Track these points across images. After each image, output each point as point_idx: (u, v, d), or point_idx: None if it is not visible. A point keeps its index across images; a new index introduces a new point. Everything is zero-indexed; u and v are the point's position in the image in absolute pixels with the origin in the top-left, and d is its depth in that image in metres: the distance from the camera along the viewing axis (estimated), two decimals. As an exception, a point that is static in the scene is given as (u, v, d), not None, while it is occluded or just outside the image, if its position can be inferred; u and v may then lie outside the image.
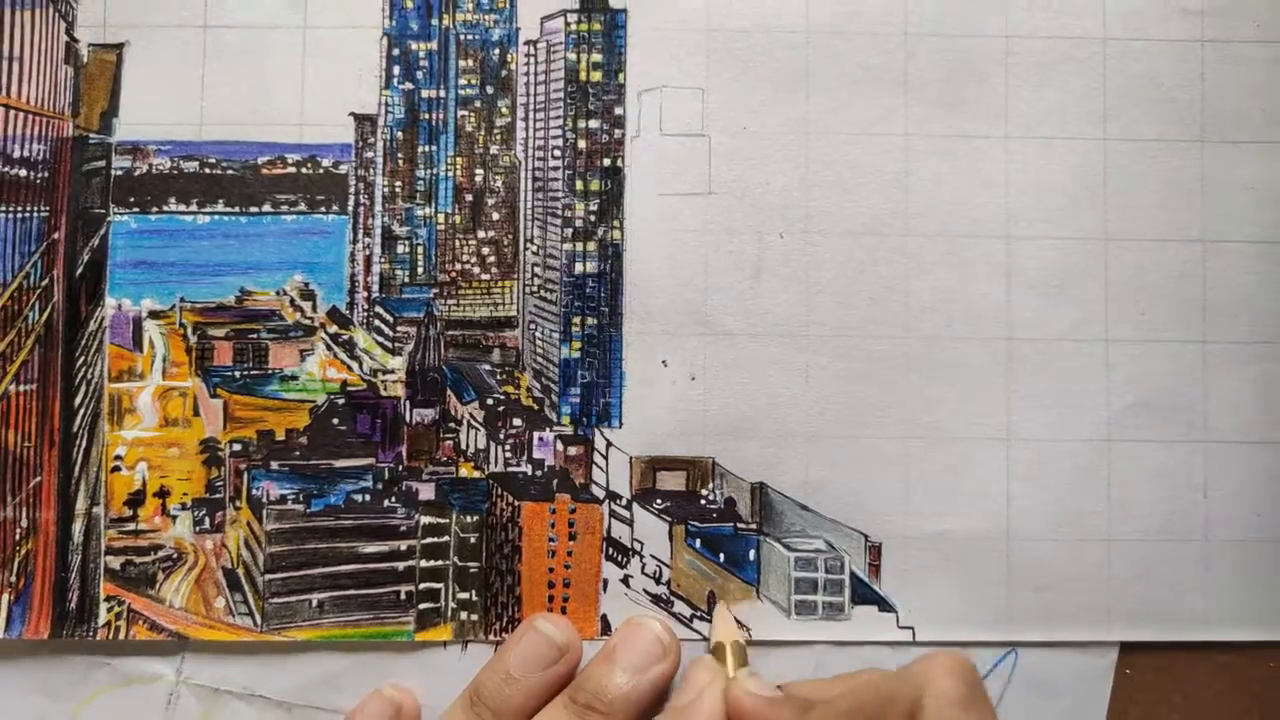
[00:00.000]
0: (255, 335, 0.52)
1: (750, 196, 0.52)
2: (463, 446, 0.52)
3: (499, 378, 0.53)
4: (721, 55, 0.53)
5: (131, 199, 0.52)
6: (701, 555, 0.52)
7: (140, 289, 0.52)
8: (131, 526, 0.51)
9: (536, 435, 0.52)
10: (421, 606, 0.51)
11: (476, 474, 0.52)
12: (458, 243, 0.53)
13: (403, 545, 0.51)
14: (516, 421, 0.52)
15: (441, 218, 0.53)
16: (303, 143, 0.52)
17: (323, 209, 0.52)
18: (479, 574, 0.51)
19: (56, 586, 0.51)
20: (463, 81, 0.53)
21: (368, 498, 0.51)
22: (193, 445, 0.52)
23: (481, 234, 0.53)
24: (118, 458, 0.51)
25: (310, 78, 0.52)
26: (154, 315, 0.52)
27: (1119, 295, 0.52)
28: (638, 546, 0.52)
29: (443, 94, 0.53)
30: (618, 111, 0.53)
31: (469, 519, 0.52)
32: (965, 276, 0.52)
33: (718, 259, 0.52)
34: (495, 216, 0.53)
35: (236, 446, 0.52)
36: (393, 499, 0.51)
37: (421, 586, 0.51)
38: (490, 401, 0.52)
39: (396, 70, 0.53)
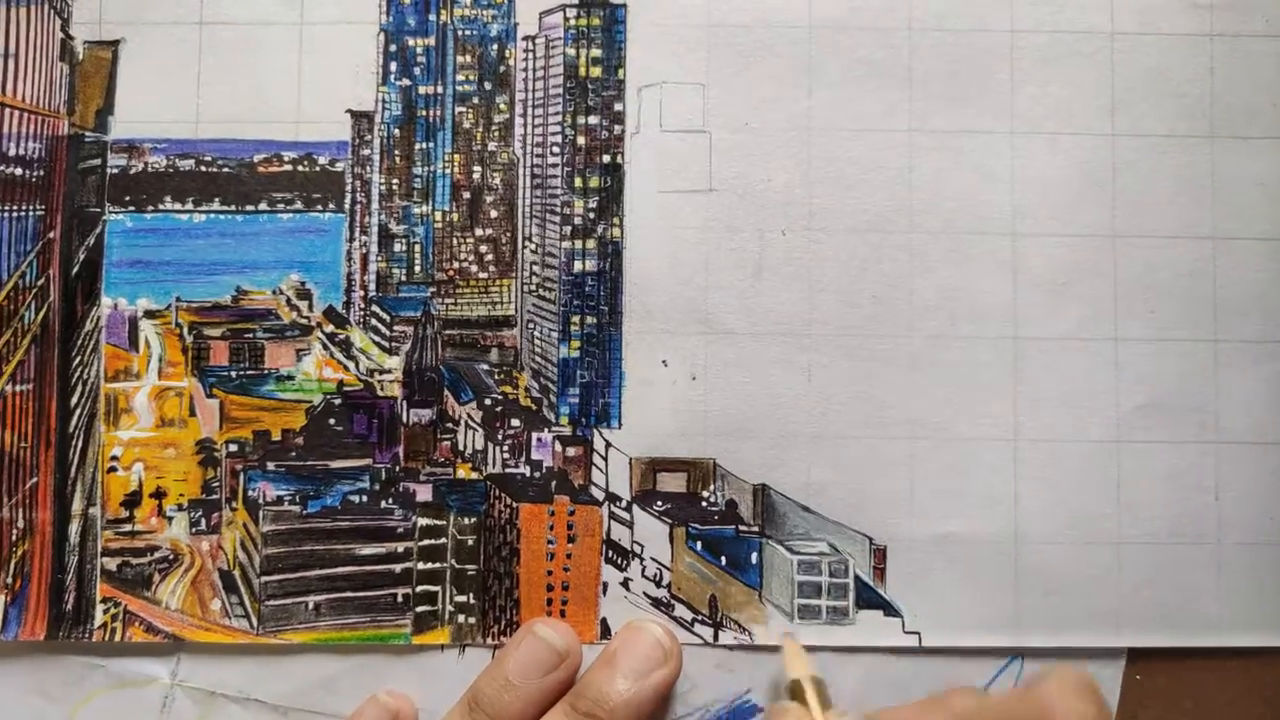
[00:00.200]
0: (251, 335, 0.52)
1: (752, 193, 0.52)
2: (460, 447, 0.51)
3: (497, 378, 0.52)
4: (722, 50, 0.52)
5: (127, 197, 0.52)
6: (702, 558, 0.51)
7: (136, 288, 0.52)
8: (128, 528, 0.51)
9: (535, 436, 0.52)
10: (419, 609, 0.51)
11: (474, 475, 0.51)
12: (455, 241, 0.52)
13: (400, 547, 0.51)
14: (515, 422, 0.52)
15: (439, 216, 0.52)
16: (299, 140, 0.52)
17: (319, 207, 0.52)
18: (477, 576, 0.51)
19: (53, 588, 0.51)
20: (460, 78, 0.53)
21: (364, 499, 0.51)
22: (189, 446, 0.51)
23: (479, 232, 0.52)
24: (114, 458, 0.51)
25: (306, 74, 0.52)
26: (150, 315, 0.52)
27: (1128, 293, 0.52)
28: (638, 549, 0.51)
29: (440, 90, 0.53)
30: (617, 107, 0.52)
31: (467, 521, 0.51)
32: (970, 274, 0.52)
33: (719, 257, 0.52)
34: (493, 214, 0.53)
35: (233, 447, 0.51)
36: (390, 500, 0.51)
37: (419, 589, 0.51)
38: (488, 402, 0.52)
39: (393, 66, 0.53)
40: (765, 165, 0.52)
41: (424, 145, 0.53)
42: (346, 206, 0.52)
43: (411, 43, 0.53)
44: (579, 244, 0.52)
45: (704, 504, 0.51)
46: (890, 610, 0.51)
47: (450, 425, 0.52)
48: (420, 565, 0.51)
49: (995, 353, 0.52)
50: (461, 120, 0.53)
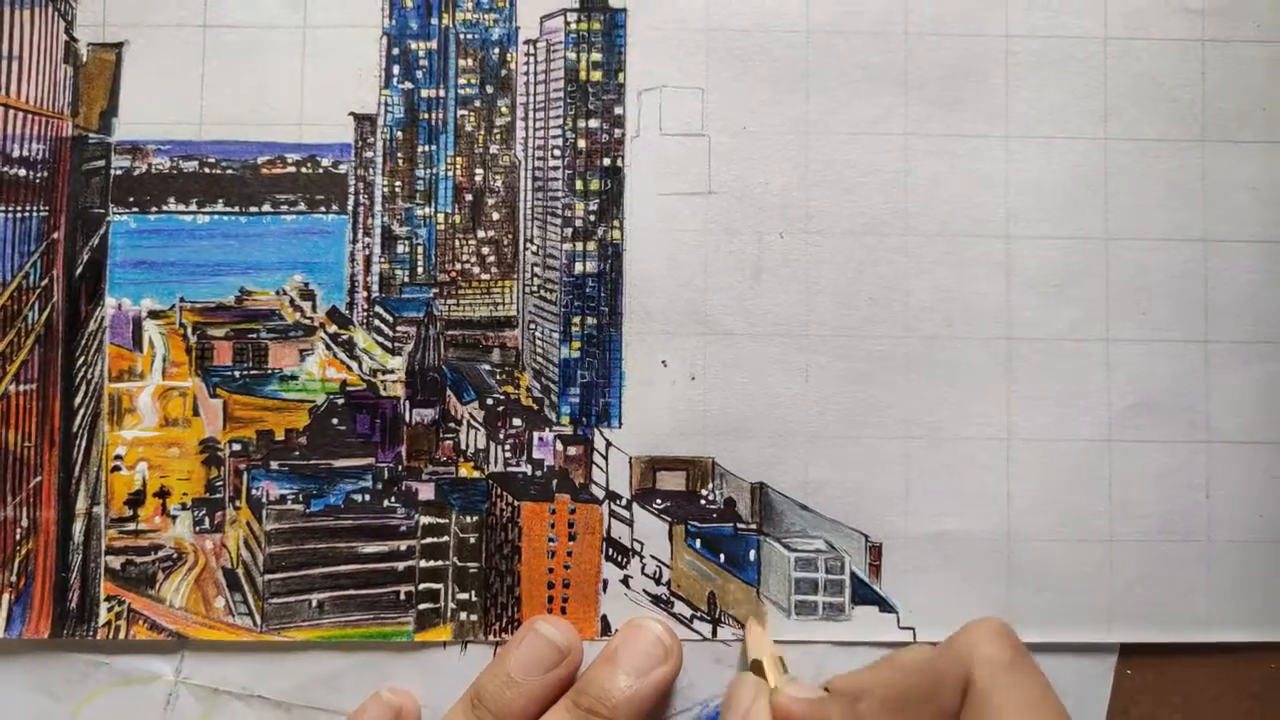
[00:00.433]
0: (255, 335, 0.52)
1: (750, 196, 0.52)
2: (462, 446, 0.52)
3: (499, 378, 0.52)
4: (721, 55, 0.53)
5: (131, 199, 0.52)
6: (701, 555, 0.52)
7: (140, 289, 0.52)
8: (132, 526, 0.51)
9: (536, 435, 0.52)
10: (421, 607, 0.51)
11: (476, 474, 0.52)
12: (457, 242, 0.53)
13: (402, 545, 0.51)
14: (516, 421, 0.52)
15: (441, 217, 0.53)
16: (302, 142, 0.52)
17: (322, 209, 0.52)
18: (478, 574, 0.51)
19: (57, 586, 0.51)
20: (462, 81, 0.53)
21: (367, 498, 0.51)
22: (192, 445, 0.52)
23: (481, 234, 0.53)
24: (118, 457, 0.51)
25: (310, 77, 0.52)
26: (154, 315, 0.52)
27: (1120, 295, 0.52)
28: (638, 547, 0.52)
29: (442, 93, 0.53)
30: (617, 111, 0.53)
31: (468, 519, 0.52)
32: (965, 276, 0.52)
33: (717, 259, 0.52)
34: (495, 216, 0.53)
35: (236, 446, 0.52)
36: (392, 499, 0.51)
37: (421, 587, 0.51)
38: (490, 401, 0.52)
39: (396, 70, 0.53)
40: (763, 168, 0.52)
41: (426, 148, 0.53)
42: (349, 208, 0.53)
43: (414, 46, 0.53)
44: (580, 246, 0.52)
45: (703, 502, 0.52)
46: (885, 606, 0.51)
47: (452, 425, 0.52)
48: (422, 563, 0.51)
49: (989, 353, 0.52)
50: (463, 123, 0.53)
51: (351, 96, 0.52)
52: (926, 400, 0.52)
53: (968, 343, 0.52)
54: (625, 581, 0.51)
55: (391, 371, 0.52)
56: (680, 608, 0.51)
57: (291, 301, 0.52)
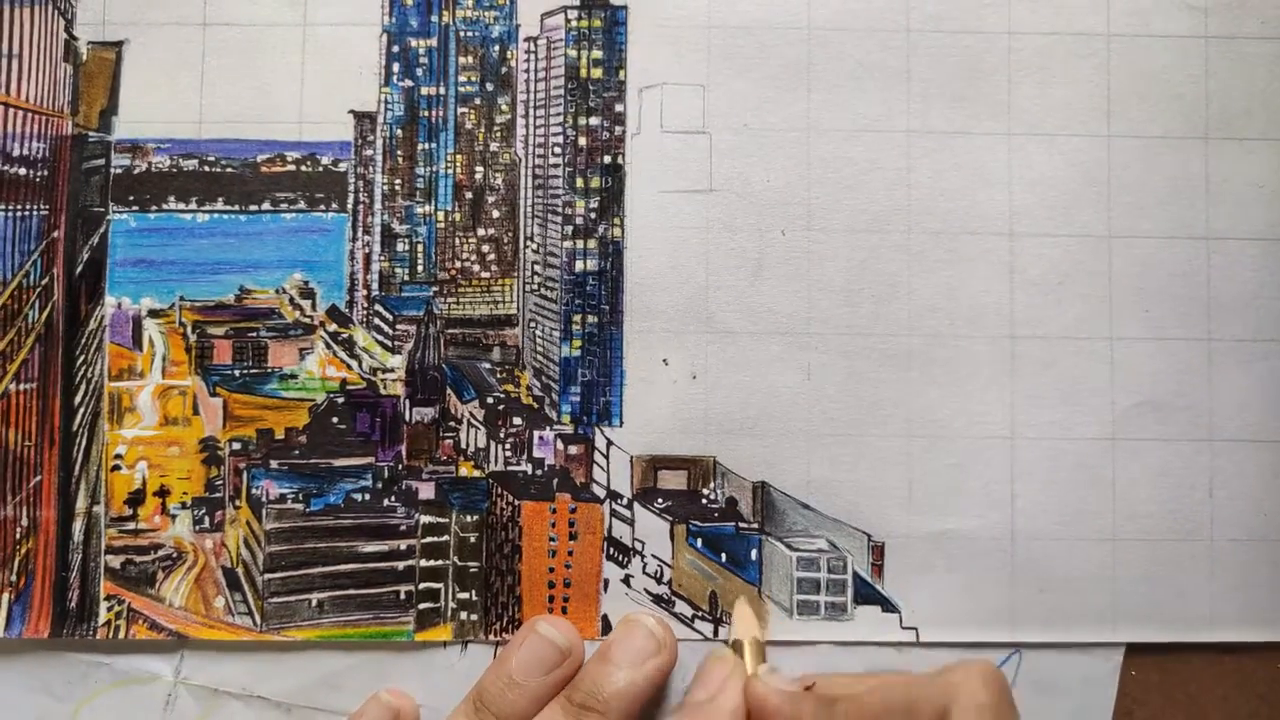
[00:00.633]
0: (255, 334, 0.52)
1: (751, 194, 0.52)
2: (463, 445, 0.52)
3: (499, 376, 0.52)
4: (722, 52, 0.52)
5: (131, 197, 0.52)
6: (703, 555, 0.51)
7: (140, 287, 0.52)
8: (131, 525, 0.51)
9: (537, 434, 0.52)
10: (421, 606, 0.51)
11: (476, 473, 0.52)
12: (458, 240, 0.53)
13: (402, 545, 0.51)
14: (517, 420, 0.52)
15: (441, 215, 0.53)
16: (302, 140, 0.52)
17: (322, 207, 0.52)
18: (479, 574, 0.51)
19: (57, 585, 0.51)
20: (463, 78, 0.53)
21: (367, 497, 0.51)
22: (192, 444, 0.52)
23: (481, 231, 0.53)
24: (118, 456, 0.51)
25: (309, 75, 0.52)
26: (153, 314, 0.52)
27: (1123, 293, 0.52)
28: (639, 546, 0.51)
29: (442, 91, 0.53)
30: (618, 108, 0.53)
31: (469, 518, 0.51)
32: (968, 274, 0.52)
33: (719, 256, 0.52)
34: (495, 214, 0.53)
35: (236, 445, 0.51)
36: (392, 498, 0.51)
37: (421, 586, 0.51)
38: (490, 400, 0.52)
39: (396, 67, 0.53)
40: (765, 166, 0.52)
41: (426, 145, 0.53)
42: (349, 206, 0.53)
43: (414, 44, 0.53)
44: (580, 244, 0.52)
45: (704, 501, 0.52)
46: (888, 606, 0.51)
47: (453, 424, 0.52)
48: (423, 563, 0.51)
49: (992, 352, 0.52)
50: (464, 121, 0.53)
51: (351, 94, 0.52)
52: (929, 399, 0.52)
53: (970, 341, 0.52)
54: (626, 581, 0.51)
55: (391, 370, 0.52)
56: (681, 607, 0.51)
57: (291, 300, 0.52)
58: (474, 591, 0.51)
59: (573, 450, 0.52)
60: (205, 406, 0.52)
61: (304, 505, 0.51)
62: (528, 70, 0.53)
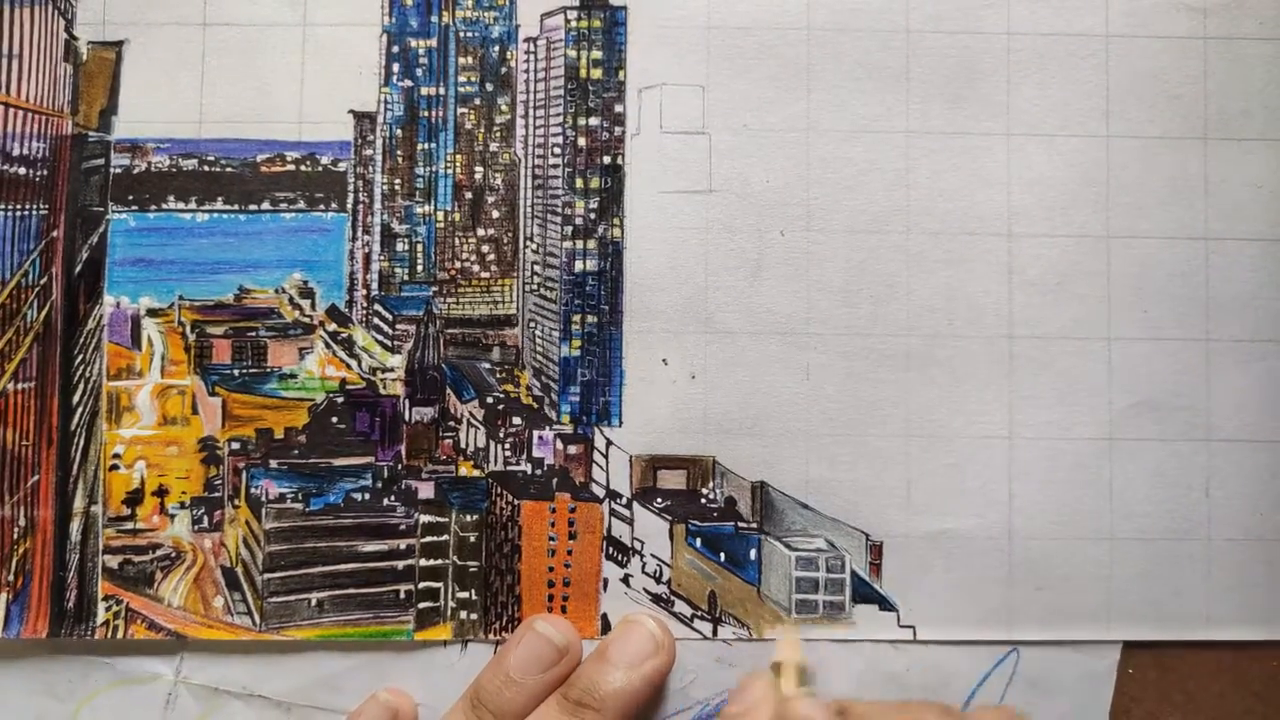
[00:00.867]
0: (254, 333, 0.52)
1: (751, 194, 0.52)
2: (462, 445, 0.52)
3: (498, 376, 0.52)
4: (722, 52, 0.52)
5: (130, 197, 0.52)
6: (702, 554, 0.51)
7: (139, 287, 0.52)
8: (130, 525, 0.51)
9: (536, 434, 0.52)
10: (421, 606, 0.51)
11: (476, 473, 0.52)
12: (457, 240, 0.53)
13: (402, 544, 0.51)
14: (516, 420, 0.52)
15: (441, 215, 0.53)
16: (302, 140, 0.52)
17: (322, 207, 0.52)
18: (478, 573, 0.51)
19: (54, 585, 0.51)
20: (462, 79, 0.53)
21: (367, 496, 0.51)
22: (191, 444, 0.52)
23: (481, 232, 0.53)
24: (116, 456, 0.51)
25: (309, 75, 0.52)
26: (152, 313, 0.52)
27: (1121, 293, 0.52)
28: (638, 545, 0.52)
29: (442, 91, 0.53)
30: (618, 109, 0.53)
31: (468, 518, 0.51)
32: (966, 274, 0.52)
33: (718, 257, 0.52)
34: (495, 214, 0.53)
35: (235, 445, 0.51)
36: (392, 498, 0.51)
37: (421, 585, 0.51)
38: (490, 400, 0.52)
39: (396, 67, 0.53)
40: (764, 166, 0.52)
41: (426, 146, 0.53)
42: (349, 206, 0.52)
43: (413, 44, 0.53)
44: (580, 244, 0.52)
45: (703, 501, 0.52)
46: (886, 605, 0.51)
47: (452, 423, 0.52)
48: (422, 562, 0.51)
49: (990, 352, 0.52)
50: (463, 121, 0.53)
51: (351, 94, 0.52)
52: (927, 399, 0.52)
53: (969, 341, 0.52)
54: (625, 580, 0.51)
55: (391, 370, 0.52)
56: (681, 607, 0.51)
57: (291, 299, 0.52)
58: (473, 591, 0.51)
59: (572, 450, 0.52)
60: (204, 406, 0.52)
61: (303, 505, 0.51)
62: (527, 70, 0.53)
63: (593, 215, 0.52)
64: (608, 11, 0.53)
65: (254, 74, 0.52)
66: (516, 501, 0.51)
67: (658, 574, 0.51)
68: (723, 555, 0.52)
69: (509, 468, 0.52)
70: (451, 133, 0.53)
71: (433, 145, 0.53)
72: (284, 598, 0.51)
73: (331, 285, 0.52)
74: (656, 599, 0.51)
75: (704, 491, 0.52)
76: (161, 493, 0.51)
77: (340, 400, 0.52)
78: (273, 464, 0.51)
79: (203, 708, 0.50)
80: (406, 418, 0.52)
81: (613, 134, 0.53)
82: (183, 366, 0.52)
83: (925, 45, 0.53)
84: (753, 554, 0.52)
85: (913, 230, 0.52)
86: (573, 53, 0.53)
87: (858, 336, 0.52)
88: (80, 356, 0.51)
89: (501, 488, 0.52)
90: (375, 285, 0.52)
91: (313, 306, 0.52)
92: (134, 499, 0.51)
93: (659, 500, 0.52)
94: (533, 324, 0.53)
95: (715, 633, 0.51)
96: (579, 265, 0.52)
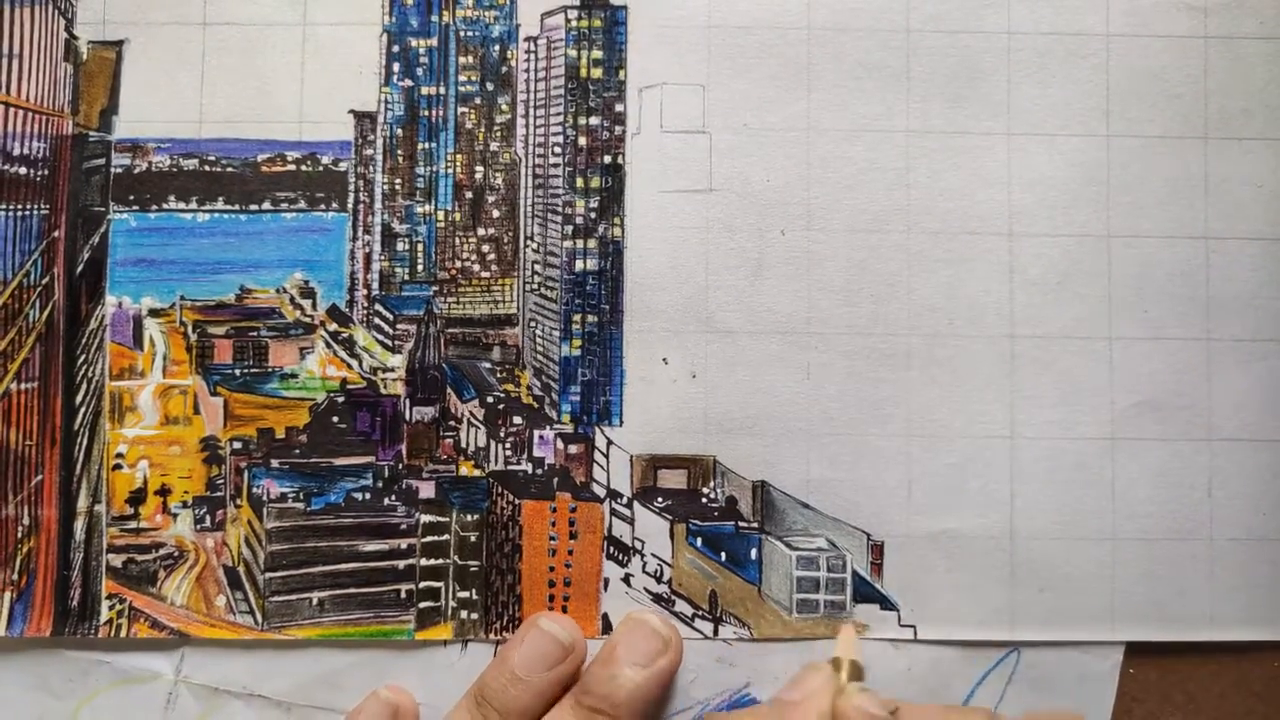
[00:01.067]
0: (255, 333, 0.52)
1: (751, 193, 0.52)
2: (463, 445, 0.52)
3: (499, 375, 0.52)
4: (722, 51, 0.52)
5: (131, 197, 0.52)
6: (703, 554, 0.51)
7: (140, 287, 0.52)
8: (133, 524, 0.51)
9: (537, 433, 0.52)
10: (422, 605, 0.51)
11: (477, 472, 0.52)
12: (458, 240, 0.53)
13: (403, 544, 0.51)
14: (517, 419, 0.52)
15: (441, 215, 0.53)
16: (302, 140, 0.52)
17: (322, 206, 0.52)
18: (479, 573, 0.51)
19: (58, 584, 0.51)
20: (463, 78, 0.53)
21: (368, 496, 0.51)
22: (193, 443, 0.52)
23: (481, 231, 0.53)
24: (119, 456, 0.51)
25: (310, 75, 0.52)
26: (154, 313, 0.52)
27: (1122, 293, 0.52)
28: (639, 545, 0.52)
29: (443, 91, 0.53)
30: (618, 108, 0.53)
31: (469, 518, 0.51)
32: (967, 274, 0.52)
33: (719, 256, 0.52)
34: (495, 214, 0.53)
35: (237, 444, 0.52)
36: (393, 497, 0.51)
37: (422, 585, 0.51)
38: (490, 399, 0.52)
39: (396, 67, 0.53)
40: (765, 165, 0.52)
41: (426, 145, 0.53)
42: (350, 206, 0.53)
43: (414, 43, 0.53)
44: (580, 243, 0.52)
45: (704, 500, 0.52)
46: (887, 604, 0.51)
47: (453, 423, 0.52)
48: (423, 562, 0.51)
49: (991, 352, 0.52)
50: (464, 120, 0.53)
51: (351, 94, 0.52)
52: (928, 398, 0.52)
53: (970, 341, 0.52)
54: (626, 580, 0.51)
55: (392, 369, 0.52)
56: (682, 606, 0.51)
57: (291, 299, 0.52)
58: (474, 590, 0.51)
59: (573, 449, 0.52)
60: (206, 406, 0.52)
61: (305, 504, 0.51)
62: (528, 70, 0.53)
63: (593, 215, 0.52)
64: (608, 11, 0.53)
65: (254, 74, 0.52)
66: (517, 501, 0.51)
67: (658, 574, 0.51)
68: (723, 555, 0.52)
69: (509, 467, 0.52)
70: (452, 132, 0.53)
71: (433, 145, 0.53)
72: (285, 597, 0.51)
73: (332, 285, 0.52)
74: (657, 598, 0.51)
75: (705, 491, 0.52)
76: (164, 492, 0.51)
77: (341, 400, 0.52)
78: (274, 463, 0.51)
79: (203, 707, 0.51)
80: (407, 417, 0.52)
81: (613, 133, 0.53)
82: (184, 366, 0.52)
83: (926, 45, 0.52)
84: (753, 553, 0.52)
85: (913, 230, 0.52)
86: (573, 52, 0.53)
87: (858, 336, 0.52)
88: (83, 356, 0.52)
89: (502, 487, 0.52)
90: (376, 285, 0.52)
91: (314, 306, 0.52)
92: (137, 498, 0.51)
93: (659, 500, 0.52)
94: (533, 323, 0.53)
95: (716, 632, 0.51)
96: (579, 265, 0.52)
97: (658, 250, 0.52)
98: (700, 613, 0.51)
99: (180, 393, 0.52)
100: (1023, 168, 0.52)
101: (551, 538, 0.51)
